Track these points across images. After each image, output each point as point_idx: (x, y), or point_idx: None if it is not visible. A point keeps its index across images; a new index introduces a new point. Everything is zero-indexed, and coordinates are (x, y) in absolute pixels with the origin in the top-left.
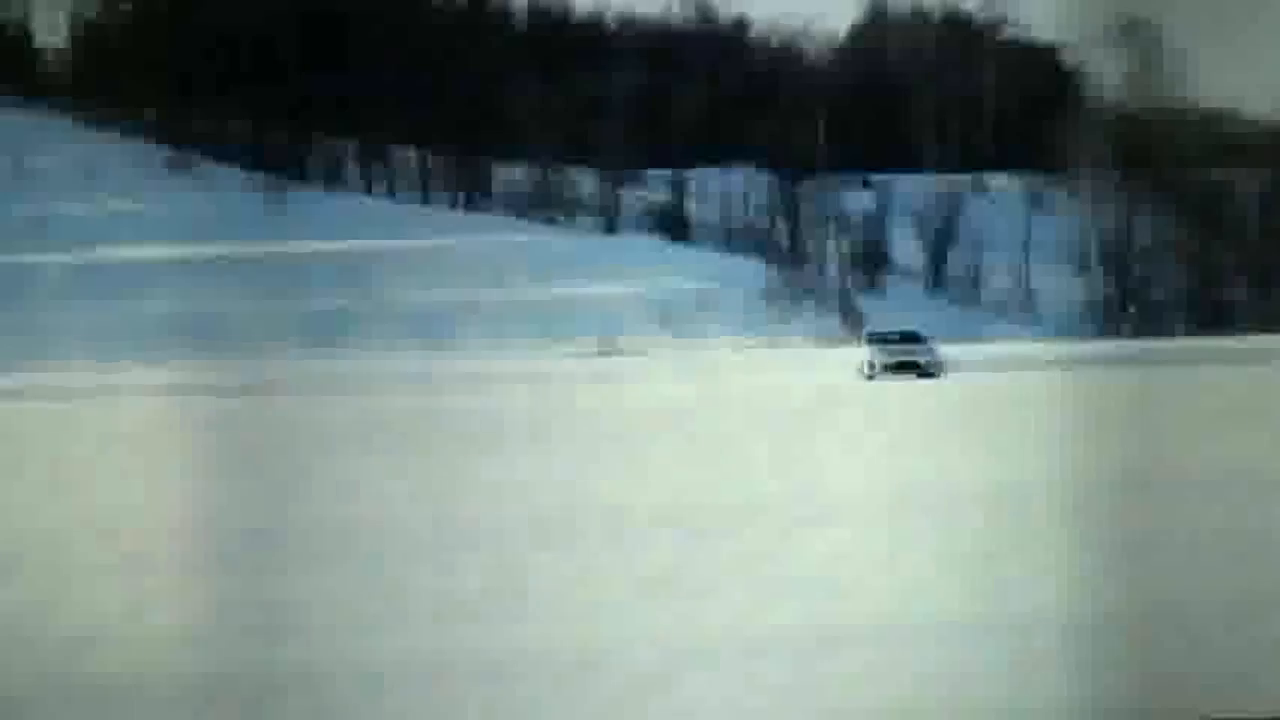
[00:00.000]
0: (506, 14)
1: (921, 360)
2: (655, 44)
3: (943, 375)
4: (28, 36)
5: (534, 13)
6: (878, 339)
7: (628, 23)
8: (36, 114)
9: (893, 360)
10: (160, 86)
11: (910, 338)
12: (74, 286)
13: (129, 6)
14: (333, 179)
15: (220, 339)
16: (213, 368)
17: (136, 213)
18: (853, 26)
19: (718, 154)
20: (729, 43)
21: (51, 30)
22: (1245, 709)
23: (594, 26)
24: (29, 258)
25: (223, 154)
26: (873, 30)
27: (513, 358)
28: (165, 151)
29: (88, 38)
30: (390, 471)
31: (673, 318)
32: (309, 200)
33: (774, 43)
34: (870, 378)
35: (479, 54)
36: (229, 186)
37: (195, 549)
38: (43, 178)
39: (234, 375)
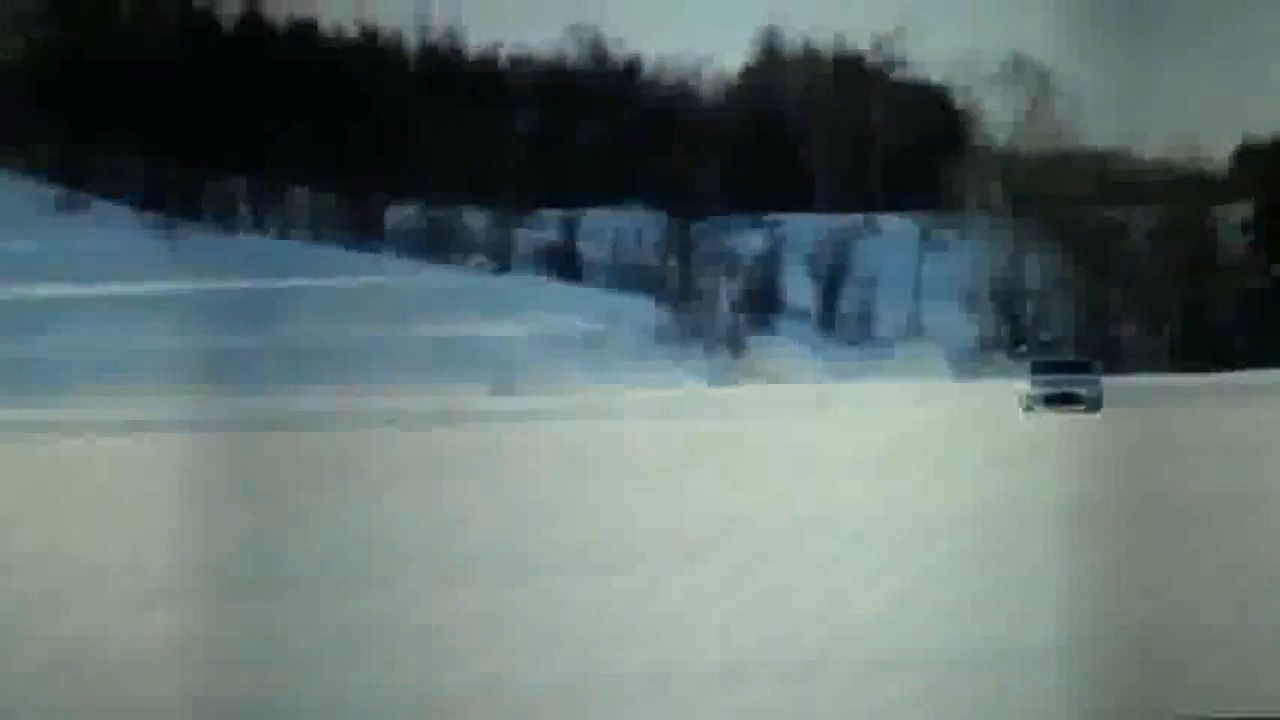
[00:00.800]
0: (400, 51)
1: (1082, 392)
2: (549, 83)
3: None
4: None
5: (427, 50)
6: (1041, 367)
7: (521, 62)
8: None
9: (1050, 392)
10: (53, 125)
11: (1077, 366)
12: None
13: (20, 44)
14: (226, 218)
15: (112, 378)
16: (107, 405)
17: (28, 253)
18: (746, 66)
19: (611, 194)
20: (622, 83)
21: None
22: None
23: (488, 65)
24: None
25: (116, 193)
26: (766, 70)
27: (409, 396)
28: (57, 191)
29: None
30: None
31: (563, 357)
32: (202, 240)
33: (667, 82)
34: (1029, 409)
35: (372, 91)
36: (122, 226)
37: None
38: None
39: (129, 413)
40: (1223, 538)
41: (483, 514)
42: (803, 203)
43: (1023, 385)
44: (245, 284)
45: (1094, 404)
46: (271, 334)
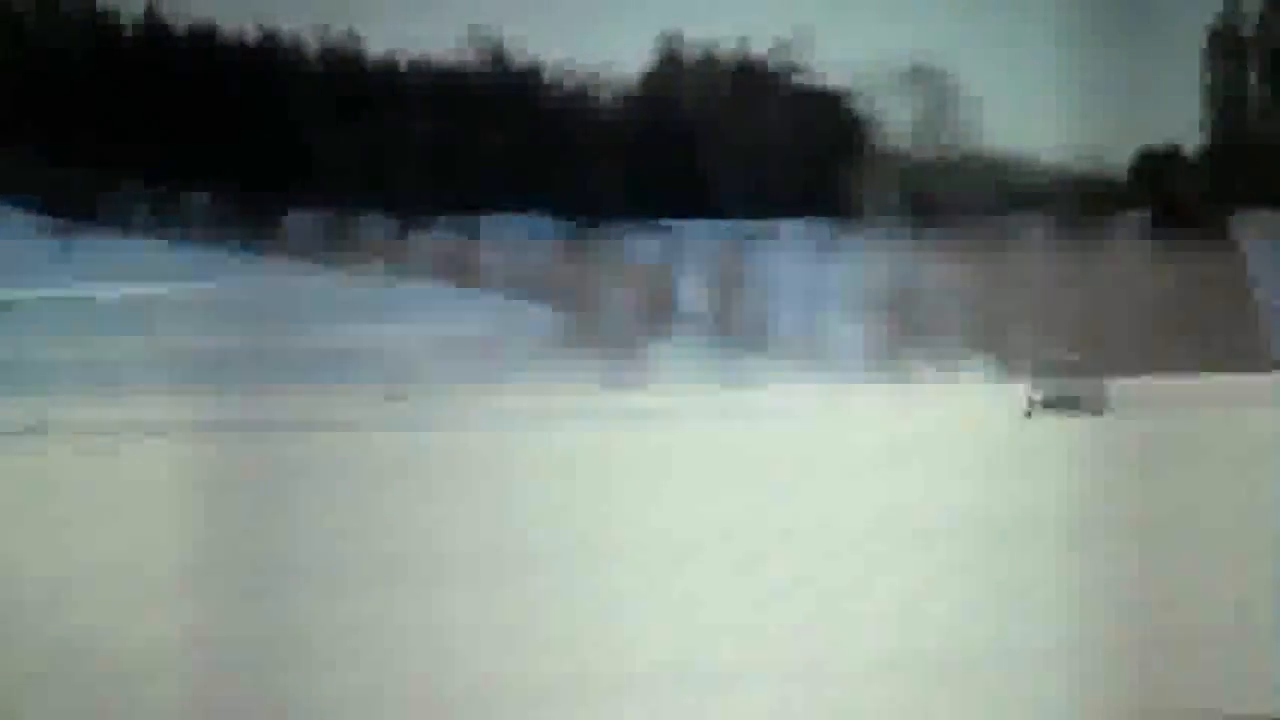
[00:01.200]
0: (300, 56)
1: (1083, 395)
2: (449, 89)
3: (1108, 412)
4: None
5: (327, 55)
6: (1044, 369)
7: (421, 67)
8: None
9: (1049, 396)
10: None
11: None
12: None
13: None
14: (123, 222)
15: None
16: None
17: None
18: (645, 73)
19: (510, 199)
20: (522, 88)
21: None
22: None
23: (387, 70)
24: None
25: (13, 194)
26: (665, 76)
27: (304, 403)
28: None
29: None
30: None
31: (459, 363)
32: (98, 243)
33: (567, 88)
34: (1028, 414)
35: (272, 96)
36: (20, 230)
37: None
38: None
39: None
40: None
41: (349, 521)
42: (702, 208)
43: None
44: (140, 288)
45: (1095, 408)
46: (167, 338)
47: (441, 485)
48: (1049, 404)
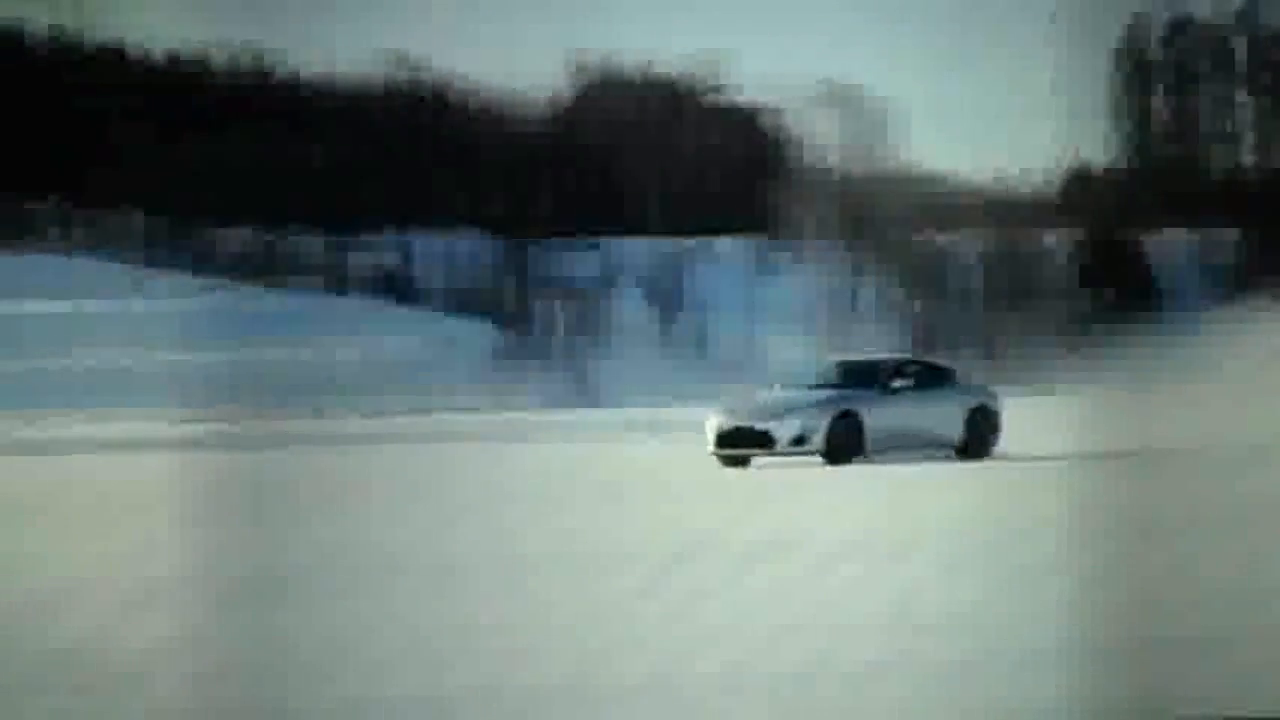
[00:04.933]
0: (210, 74)
1: (779, 432)
2: (362, 108)
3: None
4: None
5: (232, 73)
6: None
7: (327, 84)
8: None
9: (731, 427)
10: None
11: (863, 372)
12: None
13: None
14: (51, 240)
15: None
16: None
17: None
18: (568, 92)
19: (441, 219)
20: (438, 108)
21: None
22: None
23: (295, 88)
24: None
25: None
26: (586, 96)
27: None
28: None
29: None
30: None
31: (399, 380)
32: (26, 261)
33: (485, 107)
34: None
35: (179, 113)
36: None
37: None
38: None
39: None
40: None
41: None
42: (632, 227)
43: None
44: (67, 306)
45: (813, 444)
46: (98, 356)
47: (377, 501)
48: (725, 440)
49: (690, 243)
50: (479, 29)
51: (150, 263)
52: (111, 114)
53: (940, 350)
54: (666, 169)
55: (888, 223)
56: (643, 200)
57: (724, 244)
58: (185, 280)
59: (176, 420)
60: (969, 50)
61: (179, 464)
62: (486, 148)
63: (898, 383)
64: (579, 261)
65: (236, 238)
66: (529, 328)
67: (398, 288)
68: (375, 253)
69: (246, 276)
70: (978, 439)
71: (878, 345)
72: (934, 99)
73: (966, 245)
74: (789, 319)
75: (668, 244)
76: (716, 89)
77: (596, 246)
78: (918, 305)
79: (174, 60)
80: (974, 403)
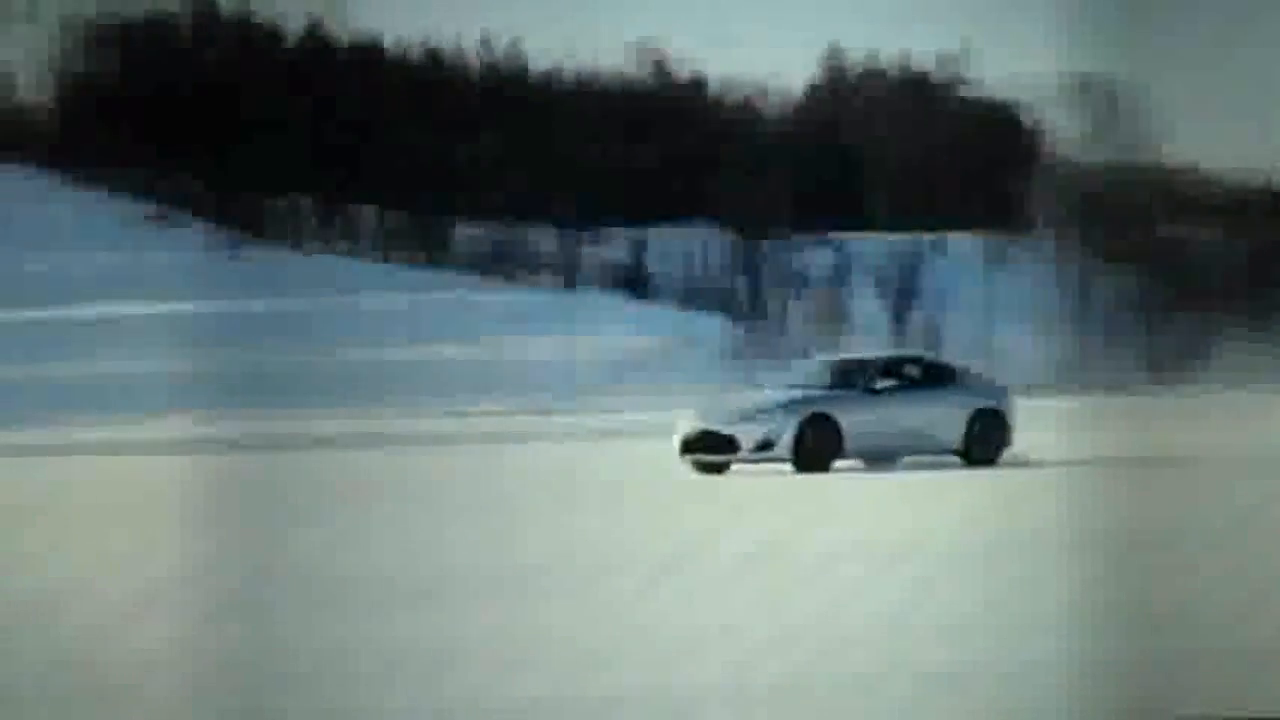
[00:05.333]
0: (464, 70)
1: (744, 436)
2: (612, 101)
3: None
4: (12, 93)
5: (489, 70)
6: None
7: (585, 80)
8: (19, 168)
9: (697, 431)
10: (140, 142)
11: (854, 370)
12: (44, 342)
13: (114, 62)
14: (293, 236)
15: (183, 397)
16: (178, 425)
17: (110, 270)
18: (810, 85)
19: (677, 212)
20: (686, 101)
21: (37, 84)
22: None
23: (551, 84)
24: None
25: (186, 210)
26: (830, 88)
27: (474, 416)
28: (145, 207)
29: (73, 92)
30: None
31: (633, 375)
32: (268, 257)
33: (731, 101)
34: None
35: (437, 110)
36: (193, 243)
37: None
38: (22, 233)
39: (198, 431)
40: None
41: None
42: (869, 222)
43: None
44: (308, 303)
45: (779, 449)
46: (333, 352)
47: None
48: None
49: (925, 238)
50: (728, 24)
51: (389, 258)
52: (364, 112)
53: (1174, 344)
54: (905, 164)
55: (1128, 216)
56: (879, 195)
57: (958, 238)
58: (424, 276)
59: (413, 415)
60: (1216, 41)
61: (420, 459)
62: (728, 143)
63: (884, 383)
64: (813, 257)
65: (474, 234)
66: (762, 323)
67: (631, 283)
68: (610, 248)
69: (483, 272)
70: (982, 443)
71: (1111, 339)
72: (1181, 91)
73: (1209, 238)
74: (1024, 315)
75: (902, 239)
76: (961, 82)
77: (830, 242)
78: (1157, 299)
79: (432, 57)
80: (978, 404)
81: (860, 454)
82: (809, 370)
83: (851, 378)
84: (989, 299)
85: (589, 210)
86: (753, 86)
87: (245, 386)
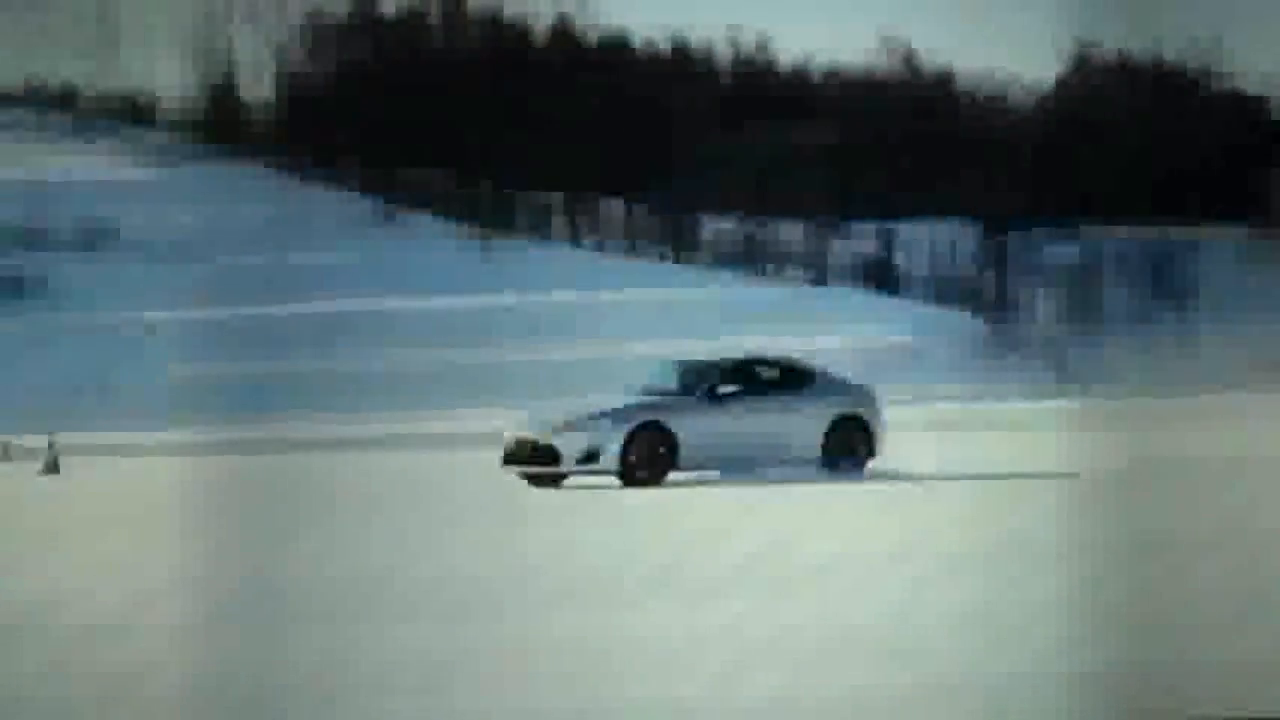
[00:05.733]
0: (711, 65)
1: (565, 447)
2: (859, 95)
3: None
4: (233, 90)
5: (738, 64)
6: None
7: (832, 74)
8: (242, 166)
9: (516, 440)
10: (364, 139)
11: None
12: (292, 337)
13: (335, 62)
14: (541, 230)
15: (437, 390)
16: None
17: (343, 265)
18: (1058, 78)
19: (924, 206)
20: (934, 94)
21: (256, 84)
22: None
23: (799, 78)
24: (251, 310)
25: (428, 205)
26: (1077, 81)
27: None
28: (370, 204)
29: (295, 93)
30: None
31: (886, 368)
32: (514, 252)
33: (979, 94)
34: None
35: (684, 105)
36: (434, 238)
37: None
38: (248, 230)
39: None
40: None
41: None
42: (1118, 213)
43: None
44: (556, 296)
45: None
46: (575, 347)
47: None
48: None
49: (1173, 229)
50: (977, 20)
51: (635, 252)
52: (611, 107)
53: None
54: (1154, 158)
55: None
56: (1127, 189)
57: (1208, 231)
58: (666, 269)
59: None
60: None
61: None
62: (981, 136)
63: (729, 388)
64: (1059, 249)
65: (722, 228)
66: (1010, 316)
67: (879, 278)
68: (858, 241)
69: (731, 266)
70: (842, 453)
71: None
72: None
73: None
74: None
75: (1150, 231)
76: (1213, 76)
77: (1077, 235)
78: None
79: (680, 52)
80: (839, 410)
81: (701, 465)
82: (654, 375)
83: (694, 383)
84: (1240, 293)
85: (838, 205)
86: (1000, 80)
87: (489, 382)
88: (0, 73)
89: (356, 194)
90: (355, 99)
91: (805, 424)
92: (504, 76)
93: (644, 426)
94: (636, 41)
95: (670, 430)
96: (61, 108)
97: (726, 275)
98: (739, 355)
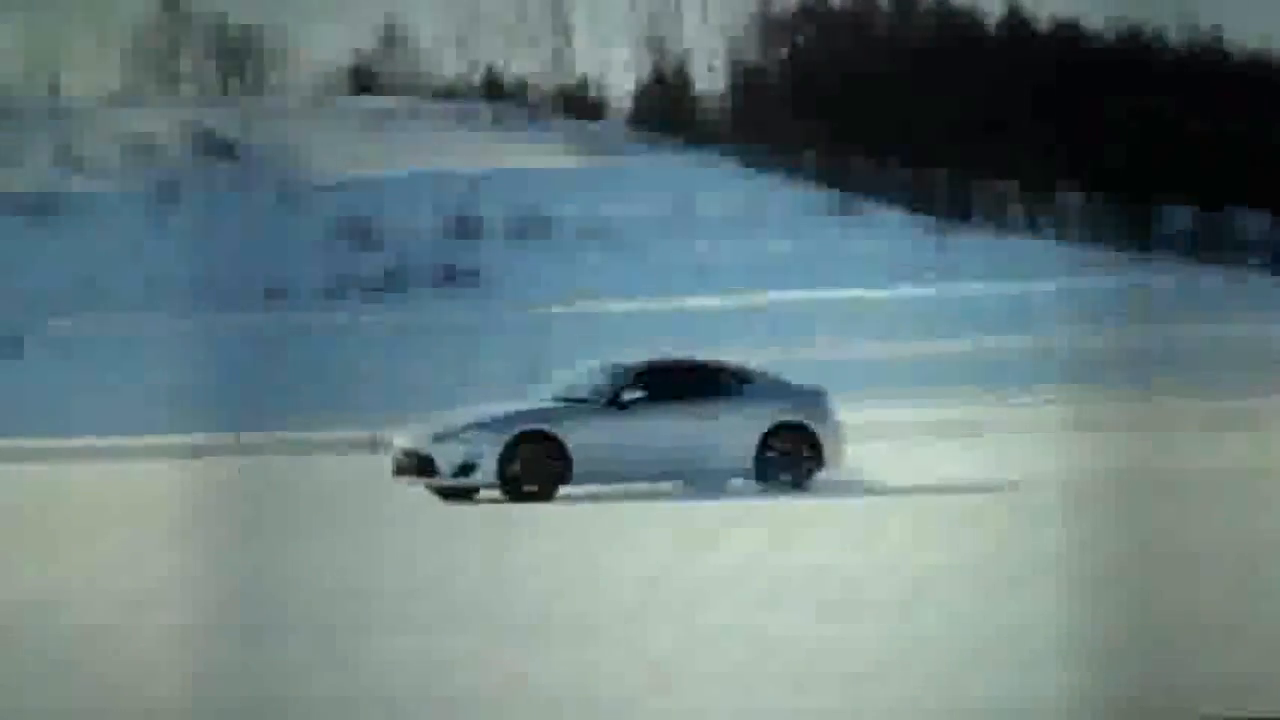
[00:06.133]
0: (1160, 52)
1: (441, 458)
2: None
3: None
4: (687, 83)
5: (1190, 51)
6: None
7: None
8: (698, 159)
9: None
10: (819, 131)
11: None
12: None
13: (786, 52)
14: (997, 220)
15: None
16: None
17: (799, 256)
18: None
19: None
20: None
21: (710, 76)
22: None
23: (1257, 66)
24: (690, 301)
25: (883, 197)
26: None
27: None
28: (826, 195)
29: (746, 83)
30: None
31: None
32: (970, 242)
33: None
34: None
35: (1138, 92)
36: (891, 229)
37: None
38: (705, 222)
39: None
40: None
41: None
42: None
43: None
44: (1010, 287)
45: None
46: (1034, 337)
47: None
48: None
49: None
50: None
51: (1091, 244)
52: (1059, 94)
53: None
54: None
55: None
56: None
57: None
58: (1125, 260)
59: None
60: None
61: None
62: None
63: (634, 394)
64: None
65: (1180, 217)
66: None
67: None
68: None
69: (1187, 254)
70: (781, 464)
71: None
72: None
73: None
74: None
75: None
76: None
77: None
78: None
79: (1132, 38)
80: (776, 417)
81: (601, 479)
82: (576, 378)
83: (599, 387)
84: None
85: None
86: None
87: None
88: (453, 66)
89: (811, 183)
90: (806, 88)
91: (733, 432)
92: (955, 64)
93: (526, 437)
94: (1085, 27)
95: (560, 440)
96: (515, 100)
97: (1185, 265)
98: (654, 359)
